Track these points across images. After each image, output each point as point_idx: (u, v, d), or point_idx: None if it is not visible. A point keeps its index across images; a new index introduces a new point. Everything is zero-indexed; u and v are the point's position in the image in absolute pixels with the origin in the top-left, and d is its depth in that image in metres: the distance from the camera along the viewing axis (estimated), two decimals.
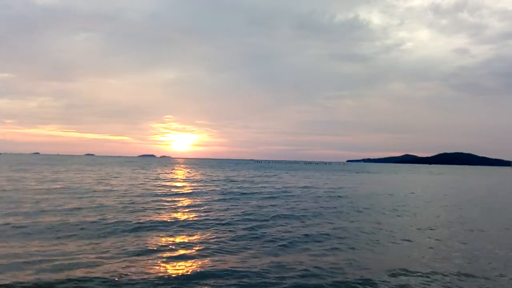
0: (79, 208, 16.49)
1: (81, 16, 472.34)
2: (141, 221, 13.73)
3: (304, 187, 33.63)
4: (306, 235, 12.06)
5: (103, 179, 35.89)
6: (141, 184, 31.69)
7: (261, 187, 32.04)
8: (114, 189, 26.00)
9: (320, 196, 24.89)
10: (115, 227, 12.42)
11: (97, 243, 10.30)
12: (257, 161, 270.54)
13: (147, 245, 10.32)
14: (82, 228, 12.15)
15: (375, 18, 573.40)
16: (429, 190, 35.13)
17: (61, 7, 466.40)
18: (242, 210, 17.37)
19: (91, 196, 21.04)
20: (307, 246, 10.71)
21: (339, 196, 25.33)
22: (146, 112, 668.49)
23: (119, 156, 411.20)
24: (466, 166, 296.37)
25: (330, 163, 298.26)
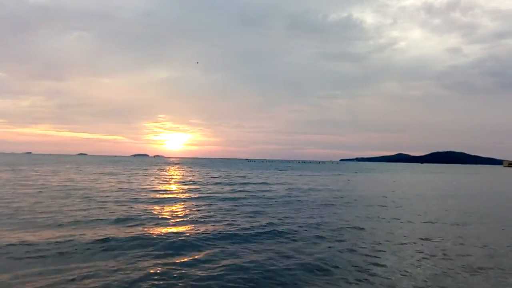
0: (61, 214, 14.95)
1: (74, 14, 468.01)
2: (135, 234, 12.25)
3: (304, 189, 32.29)
4: (319, 258, 10.49)
5: (91, 181, 34.22)
6: (134, 186, 30.10)
7: (259, 190, 30.65)
8: (105, 193, 24.40)
9: (324, 199, 23.58)
10: (104, 244, 10.93)
11: (84, 267, 8.82)
12: (251, 161, 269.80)
13: (146, 268, 8.89)
14: (62, 244, 10.64)
15: (368, 17, 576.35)
16: (433, 191, 34.02)
17: (54, 6, 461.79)
18: (242, 219, 15.96)
19: (75, 201, 19.46)
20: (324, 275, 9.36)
21: (347, 200, 24.06)
22: (139, 112, 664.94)
23: (112, 156, 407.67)
24: (459, 165, 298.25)
25: (323, 162, 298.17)
